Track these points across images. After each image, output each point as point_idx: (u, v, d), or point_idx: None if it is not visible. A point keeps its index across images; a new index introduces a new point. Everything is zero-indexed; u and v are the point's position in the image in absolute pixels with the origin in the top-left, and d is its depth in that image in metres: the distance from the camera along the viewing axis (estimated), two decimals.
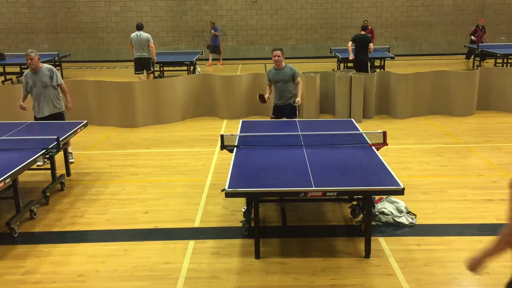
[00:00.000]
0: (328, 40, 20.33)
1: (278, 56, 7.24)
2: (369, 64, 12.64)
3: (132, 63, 13.34)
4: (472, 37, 17.06)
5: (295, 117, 7.42)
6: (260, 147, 5.72)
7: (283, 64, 7.35)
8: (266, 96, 7.48)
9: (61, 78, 7.52)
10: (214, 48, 18.10)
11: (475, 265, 3.08)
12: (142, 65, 12.80)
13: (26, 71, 7.45)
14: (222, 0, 20.05)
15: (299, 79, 7.41)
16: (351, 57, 12.34)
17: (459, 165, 7.35)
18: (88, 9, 20.11)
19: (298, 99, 7.30)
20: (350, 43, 12.35)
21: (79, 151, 8.25)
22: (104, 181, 6.95)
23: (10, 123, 7.28)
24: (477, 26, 17.08)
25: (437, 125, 9.65)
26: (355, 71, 11.77)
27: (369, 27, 16.89)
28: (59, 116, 7.50)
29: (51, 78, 7.33)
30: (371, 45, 12.28)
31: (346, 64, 14.81)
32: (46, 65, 7.43)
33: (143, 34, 12.67)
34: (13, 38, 20.43)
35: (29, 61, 7.15)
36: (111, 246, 5.11)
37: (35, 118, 7.50)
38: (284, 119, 7.45)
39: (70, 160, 7.63)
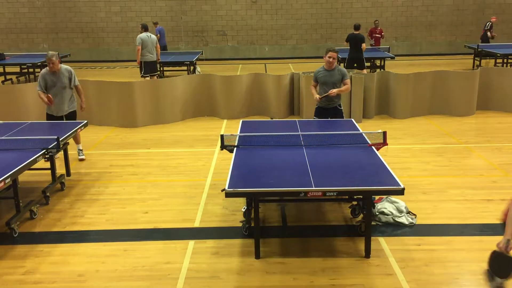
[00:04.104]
0: (328, 40, 20.33)
1: (334, 58, 6.93)
2: (364, 61, 13.21)
3: (132, 63, 13.11)
4: (489, 34, 16.96)
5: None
6: (260, 147, 5.72)
7: (335, 64, 7.07)
8: (318, 96, 7.02)
9: (77, 80, 7.69)
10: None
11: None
12: (152, 67, 12.24)
13: (44, 70, 7.51)
14: (222, 0, 20.06)
15: (348, 80, 7.05)
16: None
17: (459, 165, 7.35)
18: (88, 9, 20.12)
19: (335, 91, 6.86)
20: (346, 43, 13.32)
21: None
22: (104, 181, 6.95)
23: (10, 123, 7.28)
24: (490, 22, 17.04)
25: (437, 125, 9.65)
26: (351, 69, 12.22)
27: (379, 27, 16.95)
28: (73, 114, 7.69)
29: (70, 79, 7.53)
30: (364, 45, 12.87)
31: (346, 64, 14.82)
32: (64, 66, 7.58)
33: (152, 35, 12.21)
34: (13, 38, 20.43)
35: (50, 64, 7.32)
36: (111, 246, 5.10)
37: (51, 117, 7.57)
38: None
39: (81, 157, 7.73)
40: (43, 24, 20.33)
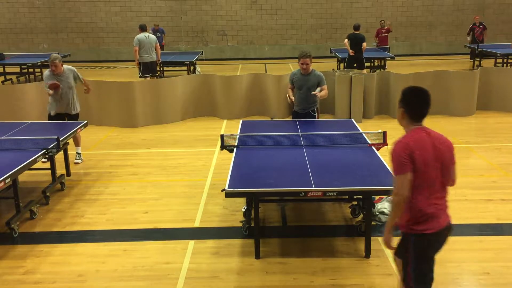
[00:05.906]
0: (328, 40, 20.34)
1: (307, 64, 6.65)
2: (364, 61, 13.20)
3: (132, 63, 13.05)
4: (468, 38, 17.14)
5: None
6: (260, 147, 5.72)
7: (310, 69, 6.79)
8: (292, 98, 6.95)
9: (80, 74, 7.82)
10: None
11: (387, 242, 3.48)
12: (150, 68, 12.14)
13: (47, 72, 7.49)
14: (222, 0, 20.06)
15: (325, 86, 6.81)
16: (351, 52, 12.98)
17: (459, 165, 7.25)
18: (88, 9, 20.12)
19: (318, 93, 6.66)
20: (346, 41, 13.10)
21: None
22: (104, 181, 6.95)
23: (10, 123, 7.28)
24: (473, 24, 17.09)
25: (437, 125, 9.64)
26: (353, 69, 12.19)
27: (386, 27, 16.92)
28: (76, 116, 7.73)
29: (75, 78, 7.61)
30: (364, 45, 12.80)
31: (346, 64, 14.82)
32: (66, 67, 7.58)
33: (151, 36, 12.14)
34: (13, 38, 20.43)
35: (53, 67, 7.32)
36: (111, 246, 5.11)
37: (52, 117, 7.55)
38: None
39: (77, 161, 7.67)
40: (43, 24, 20.33)
